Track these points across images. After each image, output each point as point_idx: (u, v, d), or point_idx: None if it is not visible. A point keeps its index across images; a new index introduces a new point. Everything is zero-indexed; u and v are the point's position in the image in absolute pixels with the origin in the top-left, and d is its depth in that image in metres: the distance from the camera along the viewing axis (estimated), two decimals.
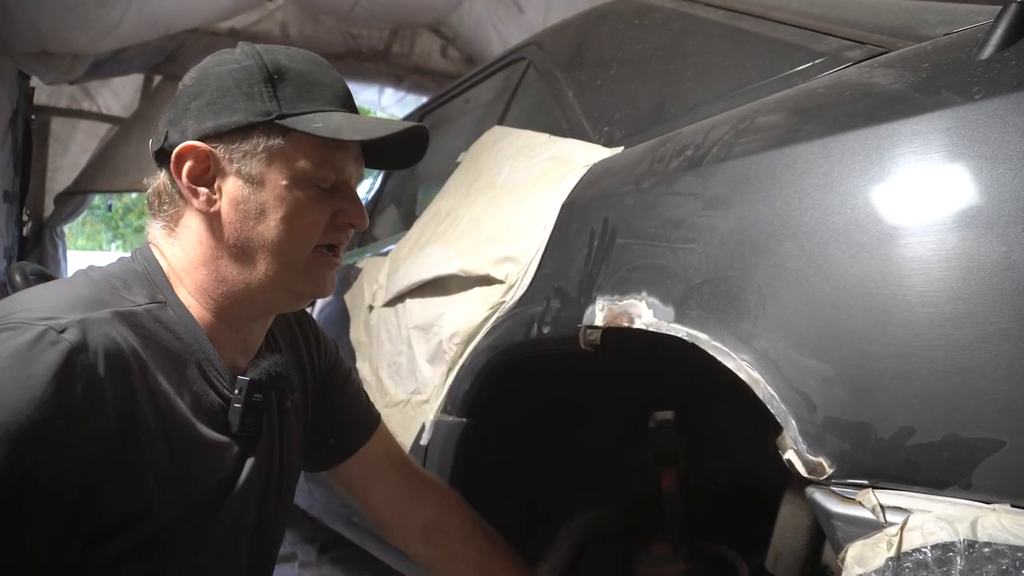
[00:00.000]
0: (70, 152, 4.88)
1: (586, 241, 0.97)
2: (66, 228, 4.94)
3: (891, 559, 0.52)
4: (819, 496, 0.59)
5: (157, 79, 4.74)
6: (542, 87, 1.50)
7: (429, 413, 1.27)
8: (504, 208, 1.23)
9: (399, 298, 1.47)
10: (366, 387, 1.54)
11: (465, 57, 5.45)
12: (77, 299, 0.68)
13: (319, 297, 0.85)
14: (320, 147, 0.76)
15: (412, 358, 1.35)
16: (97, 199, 5.19)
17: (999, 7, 0.59)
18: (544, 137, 1.31)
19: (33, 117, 4.38)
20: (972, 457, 0.51)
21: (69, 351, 0.62)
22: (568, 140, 1.24)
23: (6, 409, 0.59)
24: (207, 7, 4.23)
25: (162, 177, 0.80)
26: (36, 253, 4.54)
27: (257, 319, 0.84)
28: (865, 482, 0.57)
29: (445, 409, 1.24)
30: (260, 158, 0.76)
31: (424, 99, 4.30)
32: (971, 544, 0.49)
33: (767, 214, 0.69)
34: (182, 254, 0.79)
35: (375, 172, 2.55)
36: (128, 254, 0.83)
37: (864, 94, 0.69)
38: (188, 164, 0.76)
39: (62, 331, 0.63)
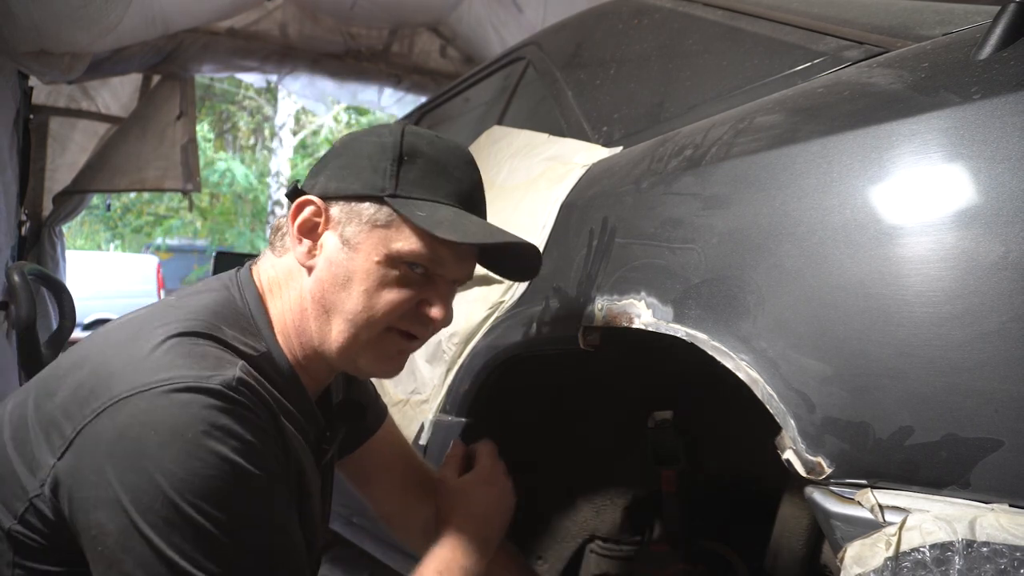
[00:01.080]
0: (69, 152, 4.87)
1: (585, 241, 0.97)
2: (65, 228, 4.93)
3: (890, 559, 0.52)
4: (818, 496, 0.59)
5: (156, 79, 4.74)
6: (541, 87, 1.50)
7: (428, 413, 1.27)
8: (503, 208, 1.23)
9: None
10: None
11: (464, 57, 5.45)
12: (217, 356, 0.71)
13: (380, 377, 0.87)
14: (423, 235, 0.77)
15: (411, 358, 1.35)
16: (96, 199, 5.18)
17: (997, 7, 0.59)
18: (543, 137, 1.31)
19: (32, 117, 4.37)
20: (970, 457, 0.51)
21: (245, 401, 0.68)
22: (567, 140, 1.24)
23: (238, 457, 0.65)
24: (205, 7, 4.22)
25: (285, 223, 0.83)
26: (35, 253, 4.53)
27: (329, 372, 0.86)
28: (864, 482, 0.57)
29: (444, 409, 1.24)
30: (363, 228, 0.77)
31: (423, 99, 4.29)
32: (969, 544, 0.49)
33: (766, 214, 0.69)
34: (280, 296, 0.82)
35: None
36: (227, 276, 0.84)
37: (863, 94, 0.69)
38: (304, 215, 0.79)
39: (231, 386, 0.67)
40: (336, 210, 0.78)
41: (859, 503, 0.56)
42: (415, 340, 0.83)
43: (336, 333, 0.78)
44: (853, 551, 0.54)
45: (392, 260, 0.77)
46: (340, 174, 0.79)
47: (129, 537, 0.62)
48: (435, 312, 0.80)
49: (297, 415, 0.80)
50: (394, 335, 0.81)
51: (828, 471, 0.59)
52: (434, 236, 0.75)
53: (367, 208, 0.77)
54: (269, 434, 0.70)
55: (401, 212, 0.76)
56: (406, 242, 0.77)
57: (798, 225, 0.66)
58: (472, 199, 0.83)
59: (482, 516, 0.91)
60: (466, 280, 0.86)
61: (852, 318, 0.59)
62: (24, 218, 4.37)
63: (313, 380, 0.85)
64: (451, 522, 0.89)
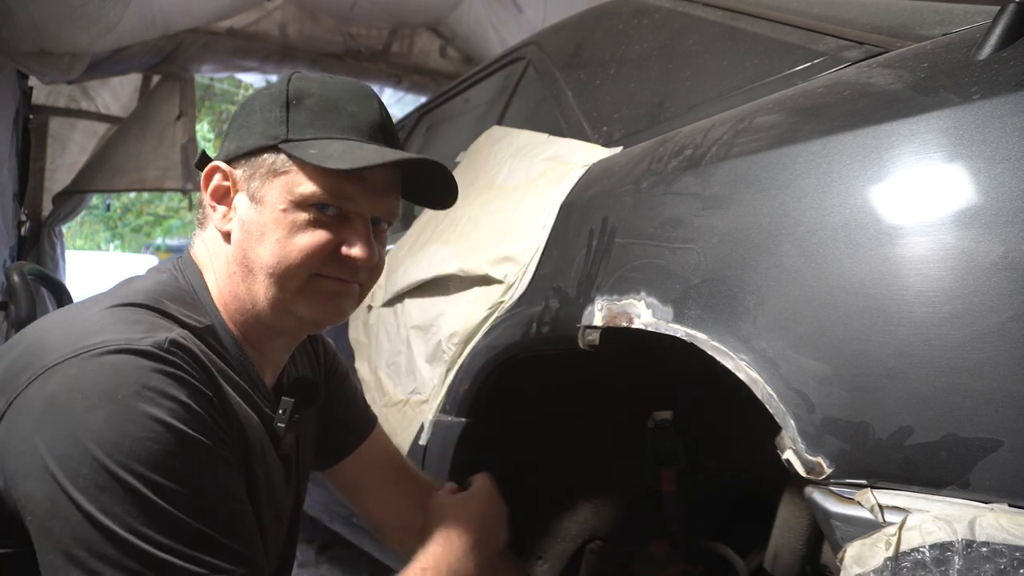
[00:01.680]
0: (68, 152, 4.87)
1: (585, 241, 0.97)
2: (64, 228, 4.93)
3: (889, 559, 0.52)
4: (818, 496, 0.59)
5: (155, 79, 4.74)
6: (541, 87, 1.50)
7: (428, 413, 1.27)
8: (503, 208, 1.23)
9: (398, 298, 1.47)
10: (365, 387, 1.54)
11: (464, 57, 5.45)
12: (152, 321, 0.70)
13: (325, 324, 0.83)
14: (326, 175, 0.75)
15: (411, 358, 1.35)
16: (95, 199, 5.18)
17: (997, 7, 0.59)
18: (543, 137, 1.31)
19: (31, 117, 4.38)
20: (970, 456, 0.51)
21: (176, 362, 0.66)
22: (567, 140, 1.24)
23: (172, 419, 0.63)
24: (206, 7, 4.22)
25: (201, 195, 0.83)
26: (34, 253, 4.53)
27: (274, 339, 0.84)
28: (863, 482, 0.57)
29: (444, 409, 1.24)
30: (266, 180, 0.77)
31: (423, 99, 4.29)
32: (969, 544, 0.49)
33: (766, 214, 0.69)
34: (213, 268, 0.82)
35: None
36: (168, 262, 0.84)
37: (863, 94, 0.69)
38: (214, 183, 0.80)
39: (163, 347, 0.66)
40: (240, 171, 0.78)
41: (859, 503, 0.56)
42: (351, 284, 0.81)
43: (263, 289, 0.77)
44: (853, 551, 0.54)
45: (298, 205, 0.75)
46: (239, 134, 0.79)
47: (57, 503, 0.60)
48: (355, 252, 0.77)
49: (246, 387, 0.78)
50: (323, 280, 0.78)
51: (828, 471, 0.59)
52: (328, 170, 0.74)
53: (266, 159, 0.76)
54: (207, 398, 0.68)
55: (294, 155, 0.75)
56: (306, 184, 0.75)
57: (798, 225, 0.66)
58: (375, 131, 0.80)
59: (475, 527, 0.90)
60: (390, 218, 0.83)
61: (852, 318, 0.59)
62: (24, 218, 4.37)
63: (263, 357, 0.83)
64: (442, 528, 0.89)
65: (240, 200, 0.78)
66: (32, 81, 4.14)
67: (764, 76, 0.96)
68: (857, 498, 0.56)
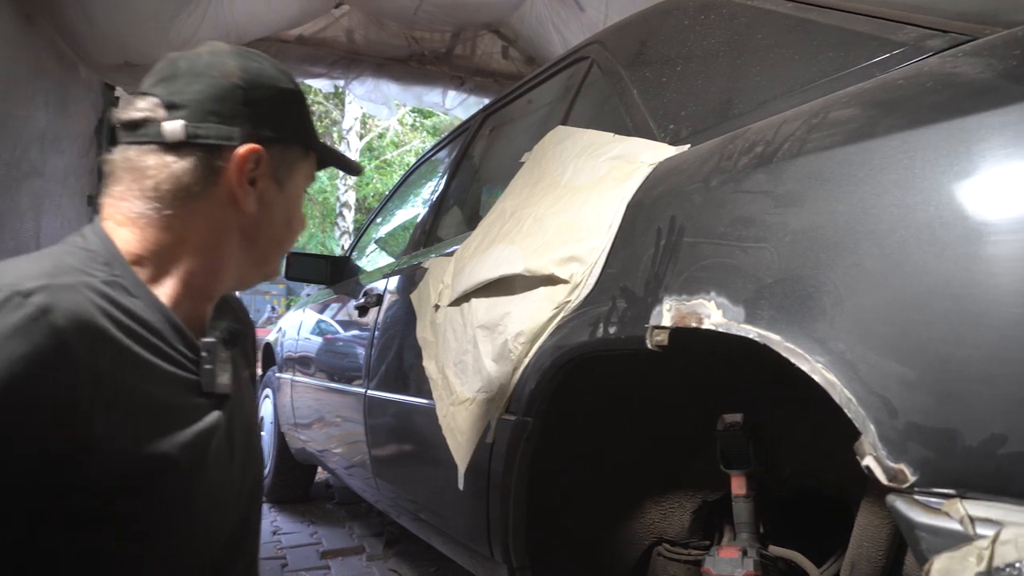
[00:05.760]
0: None
1: (652, 240, 0.96)
2: None
3: (981, 573, 0.49)
4: (901, 505, 0.57)
5: None
6: (606, 86, 1.49)
7: (495, 412, 1.28)
8: (568, 208, 1.23)
9: (464, 297, 1.48)
10: (432, 385, 1.57)
11: (527, 58, 5.46)
12: (44, 268, 0.70)
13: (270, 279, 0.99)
14: (314, 165, 0.94)
15: (478, 357, 1.37)
16: None
17: None
18: (608, 136, 1.30)
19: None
20: None
21: (34, 313, 0.64)
22: (633, 139, 1.23)
23: None
24: (276, 16, 4.37)
25: (183, 162, 0.80)
26: None
27: (208, 301, 0.89)
28: (952, 492, 0.54)
29: (510, 408, 1.25)
30: (292, 167, 0.89)
31: (486, 100, 4.32)
32: None
33: (843, 211, 0.67)
34: (162, 237, 0.81)
35: (437, 175, 2.59)
36: (76, 232, 0.84)
37: (948, 84, 0.66)
38: (249, 165, 0.83)
39: (28, 295, 0.65)
40: (271, 155, 0.85)
41: (947, 514, 0.53)
42: None
43: (258, 257, 0.89)
44: (940, 564, 0.52)
45: (303, 190, 0.93)
46: (266, 120, 0.85)
47: None
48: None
49: (154, 340, 0.77)
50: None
51: (912, 479, 0.56)
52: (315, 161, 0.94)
53: (295, 152, 0.89)
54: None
55: (323, 159, 0.94)
56: (310, 173, 0.93)
57: (878, 223, 0.63)
58: None
59: None
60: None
61: (937, 320, 0.57)
62: None
63: (199, 306, 0.86)
64: None
65: (266, 182, 0.86)
66: (118, 91, 4.39)
67: (838, 69, 0.93)
68: (945, 508, 0.54)
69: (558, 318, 1.14)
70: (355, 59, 5.07)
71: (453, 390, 1.46)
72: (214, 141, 0.80)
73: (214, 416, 0.83)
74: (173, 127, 0.79)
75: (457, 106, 5.58)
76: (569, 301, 1.12)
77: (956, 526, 0.53)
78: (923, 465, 0.56)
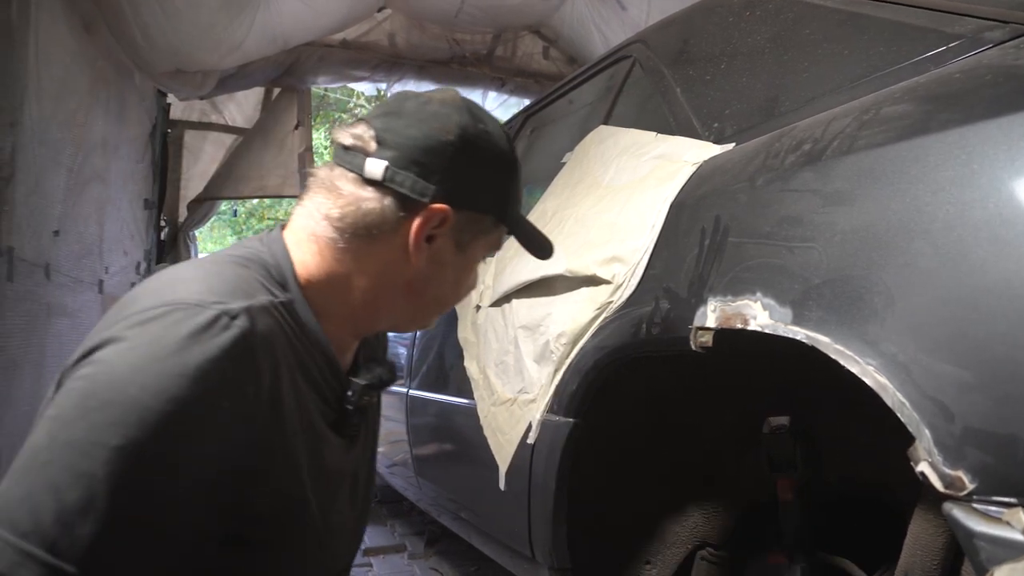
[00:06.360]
0: (201, 161, 5.26)
1: (696, 240, 0.94)
2: (197, 232, 5.33)
3: None
4: (959, 513, 0.55)
5: (275, 91, 5.03)
6: (648, 85, 1.48)
7: (536, 412, 1.27)
8: (611, 208, 1.22)
9: (506, 298, 1.49)
10: (473, 385, 1.57)
11: (568, 58, 5.44)
12: (236, 285, 0.71)
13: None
14: (502, 236, 0.89)
15: (519, 358, 1.37)
16: (223, 205, 5.56)
17: None
18: (651, 135, 1.29)
19: (169, 131, 4.78)
20: None
21: (240, 336, 0.65)
22: (676, 138, 1.22)
23: (177, 389, 0.60)
24: (321, 22, 4.44)
25: (373, 202, 0.78)
26: (171, 255, 4.93)
27: (355, 337, 0.88)
28: (1013, 500, 0.52)
29: (552, 409, 1.24)
30: (476, 235, 0.84)
31: (527, 101, 4.32)
32: None
33: (895, 210, 0.65)
34: (335, 268, 0.80)
35: None
36: (256, 238, 0.84)
37: (1009, 77, 0.63)
38: (433, 223, 0.79)
39: (234, 317, 0.65)
40: (459, 219, 0.80)
41: (1008, 523, 0.51)
42: None
43: (416, 310, 0.86)
44: (1002, 575, 0.50)
45: (480, 257, 0.88)
46: (471, 186, 0.81)
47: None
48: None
49: (311, 368, 0.78)
50: None
51: (970, 487, 0.54)
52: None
53: (486, 222, 0.84)
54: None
55: (517, 238, 0.90)
56: (495, 243, 0.88)
57: (933, 221, 0.61)
58: None
59: None
60: None
61: (996, 321, 0.55)
62: (163, 223, 4.77)
63: (354, 340, 0.86)
64: None
65: (444, 242, 0.81)
66: (170, 98, 4.52)
67: (890, 64, 0.90)
68: (1006, 518, 0.52)
69: (600, 319, 1.13)
70: (397, 62, 5.12)
71: (494, 390, 1.46)
72: (407, 192, 0.78)
73: (350, 459, 0.86)
74: (374, 165, 0.78)
75: (498, 107, 5.59)
76: (611, 302, 1.11)
77: (1018, 536, 0.51)
78: (982, 472, 0.54)
